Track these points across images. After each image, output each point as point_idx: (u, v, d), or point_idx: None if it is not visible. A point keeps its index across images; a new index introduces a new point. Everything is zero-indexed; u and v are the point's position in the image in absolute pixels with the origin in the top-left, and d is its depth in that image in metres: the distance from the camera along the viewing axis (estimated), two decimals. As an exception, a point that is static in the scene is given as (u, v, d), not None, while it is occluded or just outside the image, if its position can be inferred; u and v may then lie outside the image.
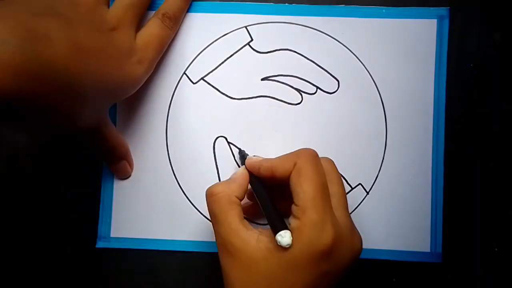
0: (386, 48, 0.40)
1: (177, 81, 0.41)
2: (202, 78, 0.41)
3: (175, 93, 0.41)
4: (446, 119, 0.40)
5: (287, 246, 0.30)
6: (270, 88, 0.40)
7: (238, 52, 0.41)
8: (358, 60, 0.40)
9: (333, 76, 0.40)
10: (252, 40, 0.41)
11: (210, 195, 0.33)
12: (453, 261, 0.40)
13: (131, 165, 0.40)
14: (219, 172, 0.40)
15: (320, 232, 0.30)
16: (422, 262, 0.40)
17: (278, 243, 0.30)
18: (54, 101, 0.29)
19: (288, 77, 0.40)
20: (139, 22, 0.37)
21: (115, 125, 0.40)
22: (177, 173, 0.41)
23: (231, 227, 0.32)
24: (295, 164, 0.32)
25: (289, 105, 0.40)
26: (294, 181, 0.32)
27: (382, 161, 0.40)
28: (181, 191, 0.40)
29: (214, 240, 0.40)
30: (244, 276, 0.31)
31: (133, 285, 0.41)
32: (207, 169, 0.40)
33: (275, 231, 0.30)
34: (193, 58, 0.41)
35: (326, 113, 0.40)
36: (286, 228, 0.30)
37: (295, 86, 0.40)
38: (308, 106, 0.40)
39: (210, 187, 0.34)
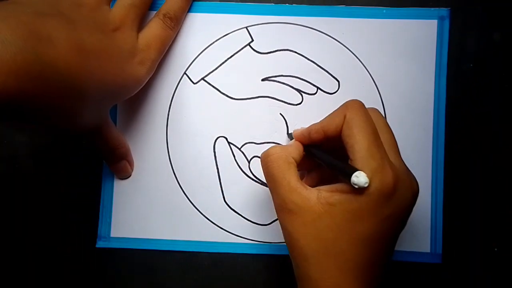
0: (386, 49, 0.40)
1: (178, 81, 0.41)
2: (202, 78, 0.41)
3: (175, 93, 0.41)
4: (446, 119, 0.40)
5: (366, 185, 0.29)
6: (271, 88, 0.40)
7: (239, 52, 0.41)
8: (358, 61, 0.40)
9: (334, 77, 0.40)
10: (252, 40, 0.40)
11: (267, 156, 0.33)
12: (453, 261, 0.40)
13: (131, 165, 0.40)
14: (220, 172, 0.40)
15: (381, 177, 0.30)
16: (422, 263, 0.40)
17: (355, 185, 0.29)
18: (55, 102, 0.29)
19: (289, 78, 0.40)
20: (141, 23, 0.37)
21: (115, 125, 0.40)
22: (177, 173, 0.41)
23: (290, 185, 0.32)
24: (344, 117, 0.32)
25: (290, 106, 0.40)
26: (346, 133, 0.31)
27: (383, 161, 0.40)
28: (181, 191, 0.40)
29: (214, 240, 0.40)
30: (309, 232, 0.31)
31: (133, 285, 0.41)
32: (208, 169, 0.40)
33: (349, 174, 0.29)
34: (193, 58, 0.41)
35: (326, 113, 0.40)
36: (356, 170, 0.30)
37: (295, 87, 0.40)
38: (308, 106, 0.40)
39: (265, 150, 0.34)
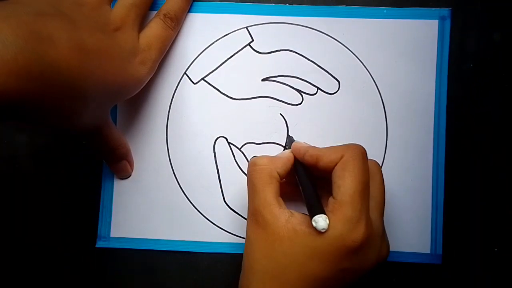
0: (387, 49, 0.40)
1: (178, 81, 0.41)
2: (202, 79, 0.41)
3: (175, 93, 0.41)
4: (446, 119, 0.40)
5: (322, 231, 0.30)
6: (271, 88, 0.40)
7: (239, 52, 0.40)
8: (358, 61, 0.40)
9: (334, 77, 0.40)
10: (252, 40, 0.40)
11: (253, 165, 0.34)
12: (453, 262, 0.40)
13: (131, 165, 0.40)
14: (219, 172, 0.40)
15: (353, 229, 0.30)
16: (422, 263, 0.40)
17: (314, 227, 0.30)
18: (56, 102, 0.29)
19: (289, 78, 0.40)
20: (142, 22, 0.37)
21: (115, 125, 0.40)
22: (177, 173, 0.40)
23: (266, 200, 0.33)
24: (342, 157, 0.32)
25: (290, 106, 0.40)
26: (337, 173, 0.32)
27: (383, 162, 0.40)
28: (181, 191, 0.40)
29: (214, 240, 0.40)
30: (267, 249, 0.32)
31: (133, 285, 0.41)
32: (207, 169, 0.40)
33: (312, 214, 0.30)
34: (193, 58, 0.41)
35: (326, 114, 0.40)
36: (323, 212, 0.30)
37: (295, 87, 0.40)
38: (308, 106, 0.40)
39: (254, 157, 0.35)
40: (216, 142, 0.40)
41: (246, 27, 0.40)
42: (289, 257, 0.31)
